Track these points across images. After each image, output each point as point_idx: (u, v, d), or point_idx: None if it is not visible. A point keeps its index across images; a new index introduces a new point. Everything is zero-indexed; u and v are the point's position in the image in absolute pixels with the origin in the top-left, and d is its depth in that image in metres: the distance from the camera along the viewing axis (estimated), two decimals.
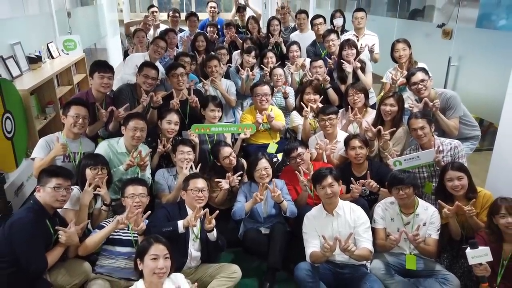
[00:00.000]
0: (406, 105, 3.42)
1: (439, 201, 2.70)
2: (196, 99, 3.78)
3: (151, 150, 3.29)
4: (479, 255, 2.25)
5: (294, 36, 5.26)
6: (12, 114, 3.41)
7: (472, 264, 2.27)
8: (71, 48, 5.39)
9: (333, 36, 4.36)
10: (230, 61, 4.98)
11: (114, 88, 3.76)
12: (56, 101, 4.49)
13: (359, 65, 4.00)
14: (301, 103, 3.86)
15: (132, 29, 5.61)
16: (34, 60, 4.51)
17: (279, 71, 4.27)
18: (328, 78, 4.11)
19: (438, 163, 2.94)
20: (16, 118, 3.48)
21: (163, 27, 5.73)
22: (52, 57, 5.09)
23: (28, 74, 4.31)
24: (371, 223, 2.71)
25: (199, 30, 5.66)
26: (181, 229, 2.57)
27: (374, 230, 2.72)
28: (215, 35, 5.55)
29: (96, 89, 3.47)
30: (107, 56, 8.00)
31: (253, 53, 4.49)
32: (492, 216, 2.42)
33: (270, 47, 5.05)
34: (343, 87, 4.04)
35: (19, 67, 4.19)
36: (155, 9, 6.08)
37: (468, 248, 2.27)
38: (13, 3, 4.53)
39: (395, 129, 3.33)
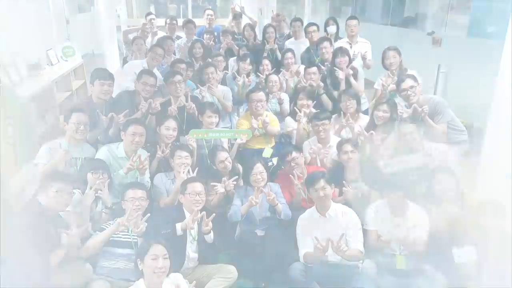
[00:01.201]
0: None
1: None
2: (194, 105, 3.83)
3: (149, 154, 3.35)
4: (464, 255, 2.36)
5: (289, 43, 5.33)
6: (13, 120, 3.49)
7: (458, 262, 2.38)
8: (70, 55, 5.46)
9: (326, 43, 4.46)
10: (226, 67, 5.04)
11: (114, 95, 3.84)
12: (55, 107, 4.56)
13: (351, 72, 4.10)
14: (295, 108, 3.95)
15: (131, 36, 5.68)
16: (34, 67, 4.59)
17: (274, 77, 4.33)
18: (322, 84, 4.19)
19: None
20: (17, 125, 3.55)
21: (160, 34, 5.81)
22: (52, 64, 5.15)
23: (28, 81, 4.38)
24: (362, 225, 2.80)
25: (196, 37, 5.75)
26: (179, 231, 2.65)
27: (365, 232, 2.79)
28: (211, 42, 5.64)
29: (97, 96, 3.54)
30: (104, 62, 8.07)
31: (248, 60, 4.55)
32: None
33: (265, 54, 5.14)
34: (335, 93, 4.13)
35: (19, 74, 4.26)
36: (152, 16, 6.14)
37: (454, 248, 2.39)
38: (13, 11, 4.61)
39: (386, 135, 3.42)
